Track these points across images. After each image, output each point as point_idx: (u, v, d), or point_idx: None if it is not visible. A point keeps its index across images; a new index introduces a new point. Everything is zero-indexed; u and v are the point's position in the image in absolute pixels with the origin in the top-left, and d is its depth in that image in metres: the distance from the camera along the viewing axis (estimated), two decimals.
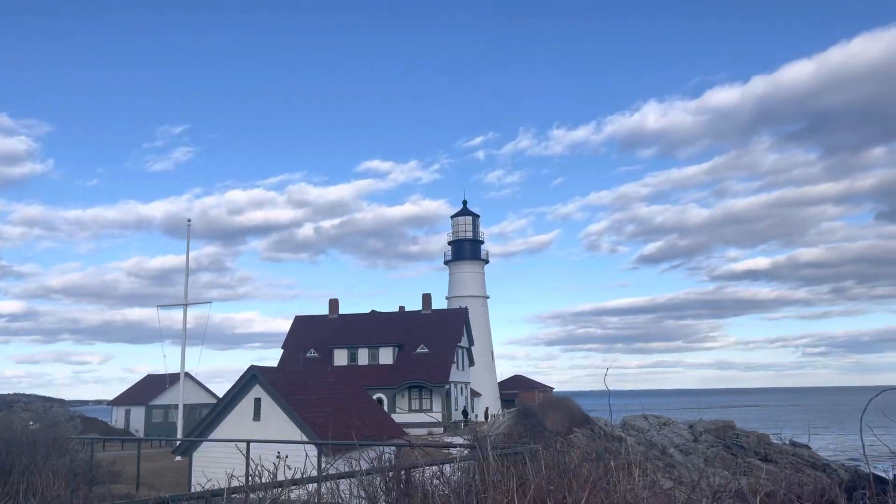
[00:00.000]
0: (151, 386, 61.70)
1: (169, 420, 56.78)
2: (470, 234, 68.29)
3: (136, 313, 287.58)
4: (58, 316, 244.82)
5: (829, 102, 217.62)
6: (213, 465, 18.26)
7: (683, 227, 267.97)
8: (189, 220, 34.99)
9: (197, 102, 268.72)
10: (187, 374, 39.55)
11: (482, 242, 69.01)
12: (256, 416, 20.20)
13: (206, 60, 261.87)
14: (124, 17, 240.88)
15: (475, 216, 69.28)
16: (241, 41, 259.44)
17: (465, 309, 59.80)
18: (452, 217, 69.90)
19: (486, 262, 68.79)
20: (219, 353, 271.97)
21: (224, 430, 20.15)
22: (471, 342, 59.76)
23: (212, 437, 19.92)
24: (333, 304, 61.03)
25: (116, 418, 61.39)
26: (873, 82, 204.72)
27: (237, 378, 20.90)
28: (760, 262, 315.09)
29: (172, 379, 51.58)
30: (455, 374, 53.56)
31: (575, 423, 43.23)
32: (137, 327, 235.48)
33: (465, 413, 53.55)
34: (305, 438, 18.39)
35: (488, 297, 67.98)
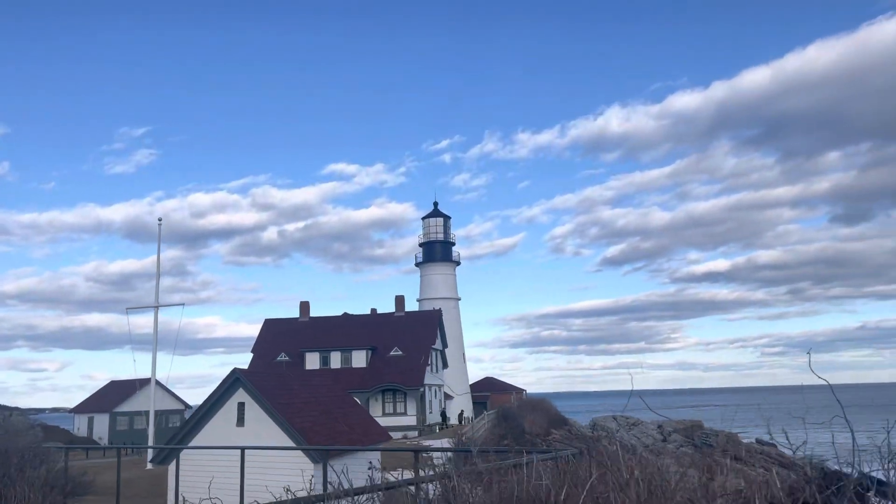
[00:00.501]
0: (115, 393, 59.88)
1: (135, 427, 55.11)
2: (441, 236, 67.79)
3: (94, 319, 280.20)
4: (13, 322, 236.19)
5: (785, 108, 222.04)
6: (197, 473, 17.49)
7: (646, 230, 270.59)
8: (160, 220, 33.79)
9: (159, 104, 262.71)
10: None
11: (453, 244, 68.60)
12: (240, 422, 19.41)
13: (169, 61, 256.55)
14: (82, 16, 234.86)
15: (446, 217, 68.78)
16: (204, 42, 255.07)
17: (439, 311, 59.28)
18: (423, 219, 69.30)
19: (458, 263, 68.39)
20: (180, 359, 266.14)
21: (206, 436, 19.31)
22: (444, 344, 59.28)
23: (193, 443, 19.08)
24: (304, 306, 59.94)
25: (79, 426, 59.41)
26: (828, 88, 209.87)
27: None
28: (720, 264, 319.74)
29: (140, 384, 50.01)
30: (429, 377, 53.00)
31: (553, 425, 43.06)
32: (96, 333, 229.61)
33: (443, 416, 53.10)
34: (293, 444, 17.75)
35: (460, 300, 67.65)
